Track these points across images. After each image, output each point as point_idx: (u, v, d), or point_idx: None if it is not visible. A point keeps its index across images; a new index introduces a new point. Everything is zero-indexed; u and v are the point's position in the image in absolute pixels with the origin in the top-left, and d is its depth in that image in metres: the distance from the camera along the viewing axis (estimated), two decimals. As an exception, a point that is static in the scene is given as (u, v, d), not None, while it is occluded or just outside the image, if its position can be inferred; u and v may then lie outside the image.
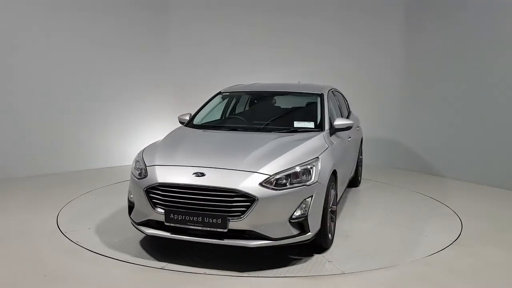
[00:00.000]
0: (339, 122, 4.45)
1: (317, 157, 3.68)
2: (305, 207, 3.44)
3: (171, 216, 3.40)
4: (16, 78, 6.70)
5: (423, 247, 4.02)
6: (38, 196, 5.63)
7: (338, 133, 4.59)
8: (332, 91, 5.30)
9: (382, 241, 4.17)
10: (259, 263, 3.57)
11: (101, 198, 5.57)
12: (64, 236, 4.19)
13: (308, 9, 8.21)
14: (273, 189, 3.35)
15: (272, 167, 3.46)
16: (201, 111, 5.05)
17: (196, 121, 4.88)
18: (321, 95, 4.81)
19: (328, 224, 3.79)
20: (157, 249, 3.87)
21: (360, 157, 6.45)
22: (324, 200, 3.64)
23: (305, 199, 3.44)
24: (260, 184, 3.34)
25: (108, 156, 7.60)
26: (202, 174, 3.43)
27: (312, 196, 3.47)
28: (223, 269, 3.44)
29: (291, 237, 3.42)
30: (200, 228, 3.35)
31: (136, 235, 4.10)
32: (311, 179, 3.51)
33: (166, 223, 3.44)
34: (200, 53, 8.40)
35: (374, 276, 3.41)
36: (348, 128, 4.53)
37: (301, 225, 3.44)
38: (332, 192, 3.97)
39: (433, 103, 7.46)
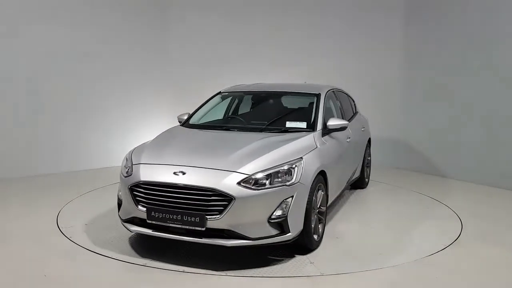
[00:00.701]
0: (332, 122, 4.41)
1: (301, 158, 3.67)
2: (285, 207, 3.43)
3: (153, 214, 3.46)
4: (16, 78, 6.70)
5: (421, 248, 4.00)
6: (38, 196, 5.64)
7: (334, 133, 4.56)
8: (333, 91, 5.28)
9: (374, 243, 4.12)
10: (241, 262, 3.59)
11: (101, 197, 5.57)
12: (64, 236, 4.19)
13: (312, 8, 8.20)
14: (251, 188, 3.35)
15: (252, 167, 3.46)
16: (198, 111, 5.09)
17: (192, 120, 4.92)
18: (318, 95, 4.77)
19: (313, 225, 3.78)
20: (144, 245, 3.93)
21: (369, 158, 6.38)
22: (308, 201, 3.62)
23: (285, 200, 3.43)
24: (238, 183, 3.35)
25: (108, 156, 7.59)
26: (183, 173, 3.47)
27: (292, 196, 3.46)
28: (202, 268, 3.46)
29: (270, 237, 3.41)
30: (179, 226, 3.39)
31: (127, 232, 4.10)
32: (292, 179, 3.50)
33: (148, 221, 3.50)
34: (202, 53, 8.38)
35: (353, 278, 3.37)
36: (342, 128, 4.50)
37: (280, 225, 3.42)
38: (320, 193, 3.95)
39: (433, 103, 7.46)
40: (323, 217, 4.07)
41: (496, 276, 3.49)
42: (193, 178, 3.41)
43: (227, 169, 3.44)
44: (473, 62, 6.72)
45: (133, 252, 3.79)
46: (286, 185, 3.45)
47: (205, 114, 5.07)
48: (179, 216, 3.36)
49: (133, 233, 4.06)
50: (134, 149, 4.19)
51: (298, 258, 3.70)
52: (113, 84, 7.72)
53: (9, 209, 5.10)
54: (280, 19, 8.26)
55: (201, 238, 3.38)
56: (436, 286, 3.28)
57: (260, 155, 3.61)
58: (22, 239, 4.13)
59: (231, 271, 3.41)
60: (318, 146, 4.07)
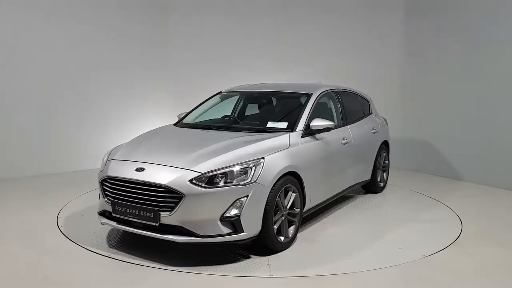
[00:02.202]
0: (315, 123, 4.32)
1: (262, 158, 3.66)
2: (239, 207, 3.44)
3: (116, 207, 3.66)
4: (16, 77, 6.70)
5: (421, 248, 4.00)
6: (38, 196, 5.64)
7: (321, 134, 4.48)
8: (335, 92, 5.20)
9: (351, 247, 3.98)
10: (199, 258, 3.66)
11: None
12: (64, 236, 4.20)
13: (315, 7, 8.19)
14: (203, 187, 3.40)
15: (207, 165, 3.50)
16: (194, 110, 5.19)
17: (187, 119, 5.01)
18: (309, 95, 4.72)
19: (277, 227, 3.74)
20: (120, 239, 4.07)
21: (386, 161, 6.18)
22: (268, 201, 3.60)
23: (239, 199, 3.44)
24: (190, 181, 3.41)
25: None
26: (142, 169, 3.59)
27: (247, 196, 3.46)
28: (158, 262, 3.56)
29: (221, 236, 3.43)
30: (137, 220, 3.55)
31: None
32: (247, 179, 3.50)
33: (112, 214, 3.71)
34: (204, 52, 8.30)
35: (352, 278, 3.34)
36: (327, 129, 4.43)
37: (233, 224, 3.45)
38: (291, 194, 3.91)
39: (432, 104, 7.46)
40: (295, 219, 3.99)
41: (495, 276, 3.49)
42: (149, 174, 3.53)
43: (183, 167, 3.52)
44: (473, 62, 6.71)
45: (104, 244, 3.95)
46: (240, 185, 3.46)
47: (201, 114, 5.13)
48: (137, 211, 3.52)
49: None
50: (116, 146, 4.33)
51: (258, 258, 3.68)
52: (113, 84, 7.71)
53: (9, 209, 5.10)
54: (284, 18, 8.22)
55: (155, 233, 3.49)
56: (436, 286, 3.28)
57: (219, 154, 3.65)
58: (22, 239, 4.13)
59: (183, 267, 3.47)
60: (291, 146, 4.03)
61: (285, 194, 3.88)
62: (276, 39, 8.25)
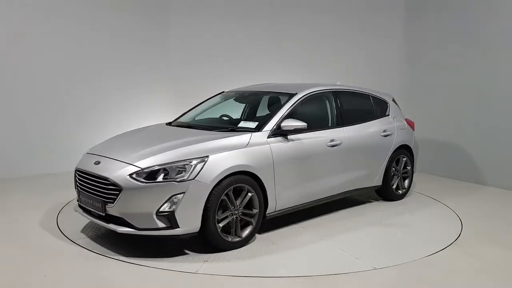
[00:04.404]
0: (286, 123, 4.21)
1: (206, 156, 3.68)
2: (175, 203, 3.50)
3: (80, 197, 4.02)
4: (16, 77, 6.70)
5: (421, 248, 3.99)
6: (38, 196, 5.64)
7: (301, 135, 4.34)
8: (333, 92, 5.00)
9: (306, 253, 3.84)
10: (151, 250, 3.80)
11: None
12: (64, 236, 4.19)
13: (315, 7, 8.19)
14: (140, 181, 3.53)
15: (149, 161, 3.64)
16: (191, 110, 5.31)
17: (182, 118, 5.14)
18: (291, 96, 4.59)
19: (222, 225, 3.72)
20: (118, 239, 4.11)
21: (408, 167, 5.73)
22: (210, 199, 3.60)
23: (175, 195, 3.51)
24: (130, 175, 3.57)
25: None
26: (99, 163, 3.86)
27: (183, 193, 3.51)
28: (113, 251, 3.77)
29: (157, 229, 3.56)
30: (92, 209, 3.84)
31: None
32: (184, 176, 3.55)
33: (79, 203, 4.08)
34: (205, 52, 8.27)
35: (351, 278, 3.33)
36: (297, 130, 4.25)
37: (169, 219, 3.54)
38: (246, 194, 3.86)
39: (432, 104, 7.47)
40: (252, 219, 3.93)
41: (496, 276, 3.49)
42: (101, 168, 3.78)
43: (127, 161, 3.70)
44: (473, 62, 6.72)
45: (104, 244, 3.99)
46: (176, 181, 3.53)
47: (199, 114, 5.18)
48: (92, 201, 3.82)
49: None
50: (101, 142, 4.58)
51: (198, 255, 3.70)
52: (112, 84, 7.69)
53: (9, 209, 5.10)
54: (284, 18, 8.20)
55: (103, 222, 3.74)
56: (436, 286, 3.28)
57: (166, 150, 3.74)
58: (22, 239, 4.13)
59: (126, 257, 3.63)
60: (250, 146, 3.95)
61: (238, 194, 3.84)
62: (276, 39, 8.24)
